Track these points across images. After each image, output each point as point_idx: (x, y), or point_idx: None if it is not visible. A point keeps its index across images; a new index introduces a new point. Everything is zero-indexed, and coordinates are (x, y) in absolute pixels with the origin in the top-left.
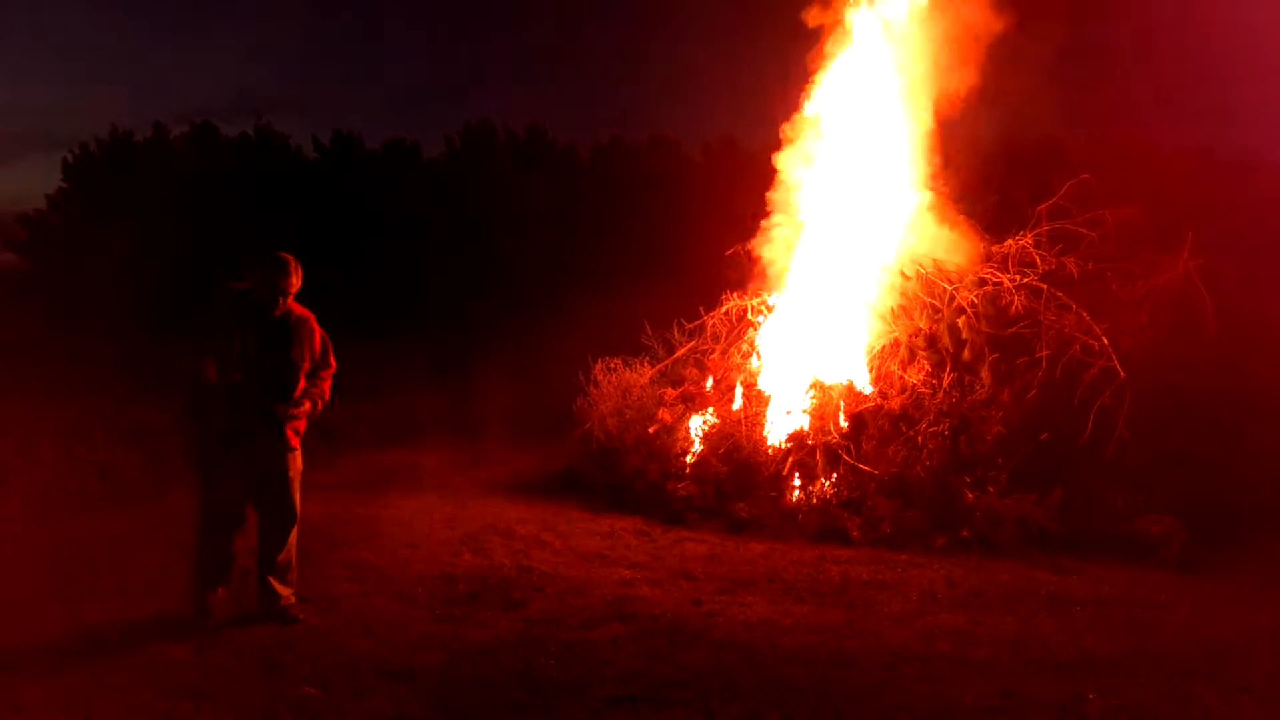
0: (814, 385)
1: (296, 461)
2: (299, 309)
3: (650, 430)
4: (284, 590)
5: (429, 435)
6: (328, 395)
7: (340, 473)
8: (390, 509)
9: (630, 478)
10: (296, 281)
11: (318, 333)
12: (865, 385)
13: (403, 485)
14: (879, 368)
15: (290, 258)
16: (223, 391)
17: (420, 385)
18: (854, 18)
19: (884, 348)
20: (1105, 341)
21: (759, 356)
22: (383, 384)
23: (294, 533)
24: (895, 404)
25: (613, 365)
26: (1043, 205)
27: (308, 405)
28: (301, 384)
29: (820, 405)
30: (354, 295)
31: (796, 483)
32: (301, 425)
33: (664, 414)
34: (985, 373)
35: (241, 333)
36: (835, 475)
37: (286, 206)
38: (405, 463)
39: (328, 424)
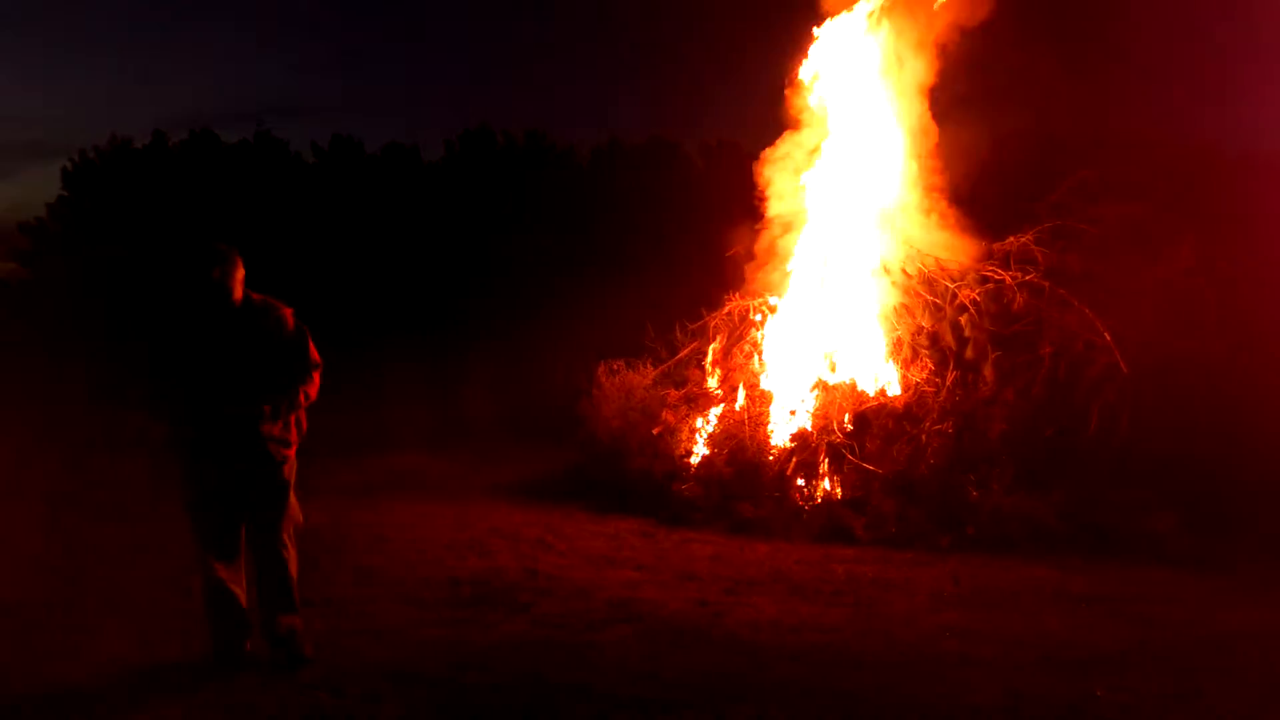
0: (817, 384)
1: (286, 473)
2: (262, 298)
3: (654, 431)
4: (290, 621)
5: (432, 439)
6: (314, 395)
7: (343, 477)
8: (395, 514)
9: (634, 479)
10: (234, 270)
11: (290, 323)
12: (868, 384)
13: (407, 490)
14: (882, 367)
15: (222, 245)
16: (188, 411)
17: (422, 389)
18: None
19: (886, 347)
20: (1108, 337)
21: (761, 357)
22: (384, 388)
23: (294, 561)
24: (899, 403)
25: (615, 367)
26: (1043, 202)
27: (285, 406)
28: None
29: (823, 405)
30: (354, 299)
31: (801, 482)
32: (291, 434)
33: (667, 415)
34: (988, 370)
35: (194, 338)
36: (839, 475)
37: (287, 212)
38: (409, 467)
39: (331, 429)
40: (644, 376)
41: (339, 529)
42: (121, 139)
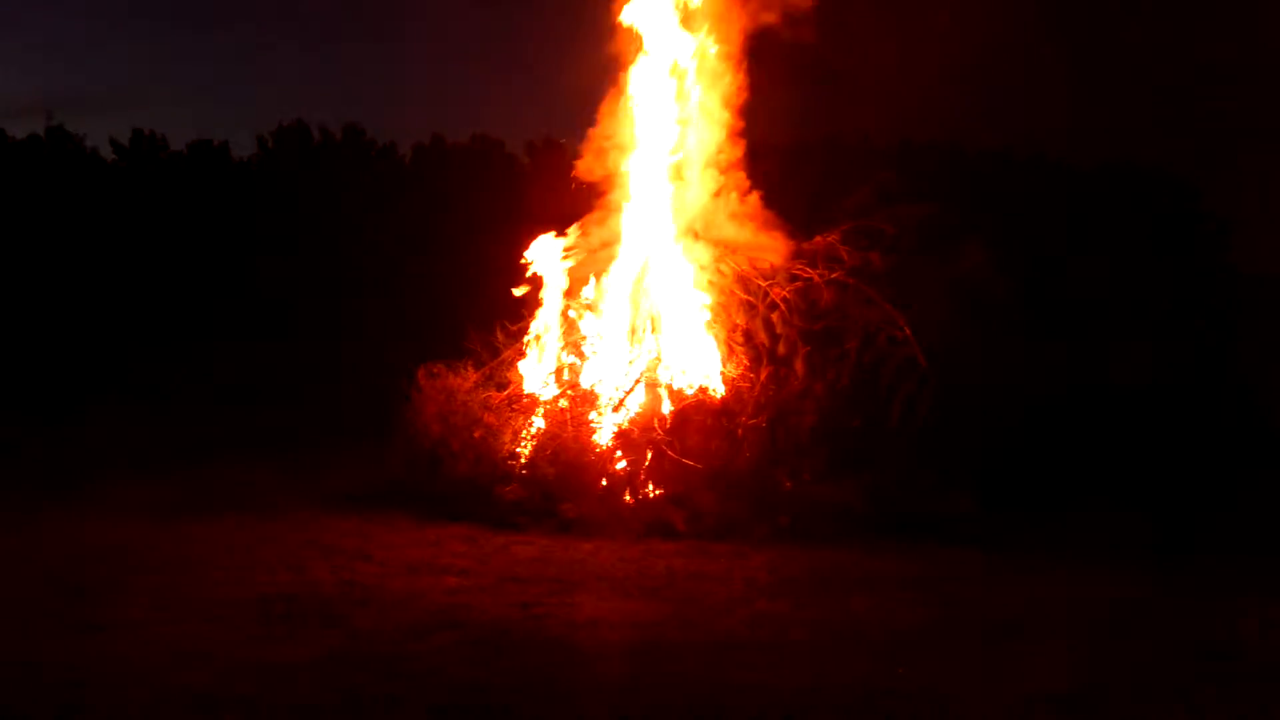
0: (637, 383)
1: None
2: None
3: (476, 435)
4: None
5: (246, 449)
6: None
7: (150, 492)
8: (203, 529)
9: (457, 484)
10: None
11: None
12: (687, 382)
13: (219, 504)
14: (701, 364)
15: None
16: None
17: (237, 396)
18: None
19: (705, 345)
20: (908, 331)
21: (582, 357)
22: (194, 395)
23: None
24: (716, 399)
25: (436, 370)
26: (847, 202)
27: None
28: None
29: (645, 403)
30: (160, 301)
31: (622, 479)
32: None
33: (489, 418)
34: (799, 365)
35: None
36: (661, 471)
37: (84, 212)
38: (224, 478)
39: (136, 440)
40: (466, 379)
41: (137, 548)
42: None
